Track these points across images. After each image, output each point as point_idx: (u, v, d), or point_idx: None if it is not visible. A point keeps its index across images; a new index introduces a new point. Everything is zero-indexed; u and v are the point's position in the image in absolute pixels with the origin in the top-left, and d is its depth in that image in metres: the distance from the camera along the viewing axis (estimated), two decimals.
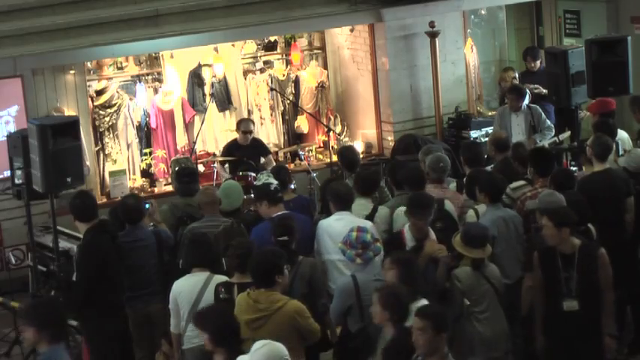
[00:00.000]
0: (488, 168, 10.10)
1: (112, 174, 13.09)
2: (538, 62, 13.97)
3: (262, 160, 12.23)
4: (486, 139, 11.70)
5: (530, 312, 7.88)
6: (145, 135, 13.68)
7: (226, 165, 12.62)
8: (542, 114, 12.20)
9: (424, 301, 6.83)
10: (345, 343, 7.57)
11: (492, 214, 8.47)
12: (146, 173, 13.62)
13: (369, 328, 7.19)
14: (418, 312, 6.26)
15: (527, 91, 12.71)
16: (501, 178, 8.86)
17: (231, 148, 12.57)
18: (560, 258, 7.47)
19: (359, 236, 7.57)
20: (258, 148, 12.48)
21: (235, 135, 12.84)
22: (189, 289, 7.64)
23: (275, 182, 9.18)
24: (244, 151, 12.31)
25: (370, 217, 8.67)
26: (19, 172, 9.61)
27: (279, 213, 8.54)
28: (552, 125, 12.27)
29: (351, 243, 7.57)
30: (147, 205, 9.14)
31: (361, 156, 12.14)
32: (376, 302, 6.69)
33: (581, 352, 7.48)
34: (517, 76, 14.01)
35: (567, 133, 12.21)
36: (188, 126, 13.81)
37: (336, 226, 8.36)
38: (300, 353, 7.11)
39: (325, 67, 14.82)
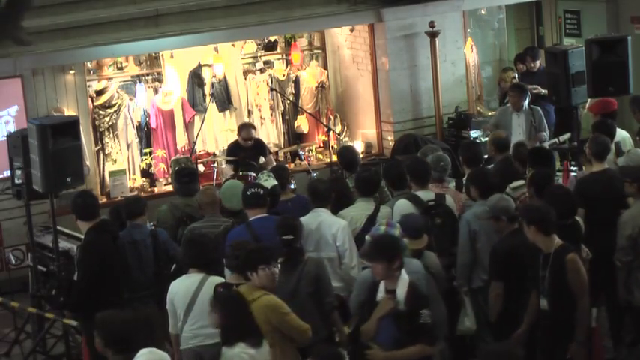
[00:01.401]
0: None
1: (112, 174, 13.09)
2: (538, 62, 13.99)
3: (262, 159, 12.22)
4: (486, 139, 11.69)
5: (500, 317, 7.88)
6: (145, 135, 13.68)
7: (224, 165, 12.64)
8: (543, 117, 12.20)
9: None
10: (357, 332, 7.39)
11: (477, 208, 8.49)
12: (146, 173, 13.62)
13: None
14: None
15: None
16: (498, 175, 8.86)
17: (233, 149, 12.57)
18: (542, 256, 7.47)
19: (387, 231, 7.45)
20: (260, 149, 12.48)
21: (236, 136, 12.85)
22: (184, 289, 7.61)
23: (274, 182, 9.21)
24: (246, 152, 12.31)
25: (373, 216, 8.69)
26: (19, 172, 9.64)
27: (257, 217, 8.50)
28: (548, 130, 12.28)
29: None
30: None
31: (361, 156, 12.16)
32: None
33: (551, 352, 7.48)
34: (517, 76, 14.02)
35: (567, 135, 12.21)
36: (188, 126, 13.81)
37: (310, 222, 8.45)
38: (290, 353, 7.09)
39: (325, 67, 14.82)
